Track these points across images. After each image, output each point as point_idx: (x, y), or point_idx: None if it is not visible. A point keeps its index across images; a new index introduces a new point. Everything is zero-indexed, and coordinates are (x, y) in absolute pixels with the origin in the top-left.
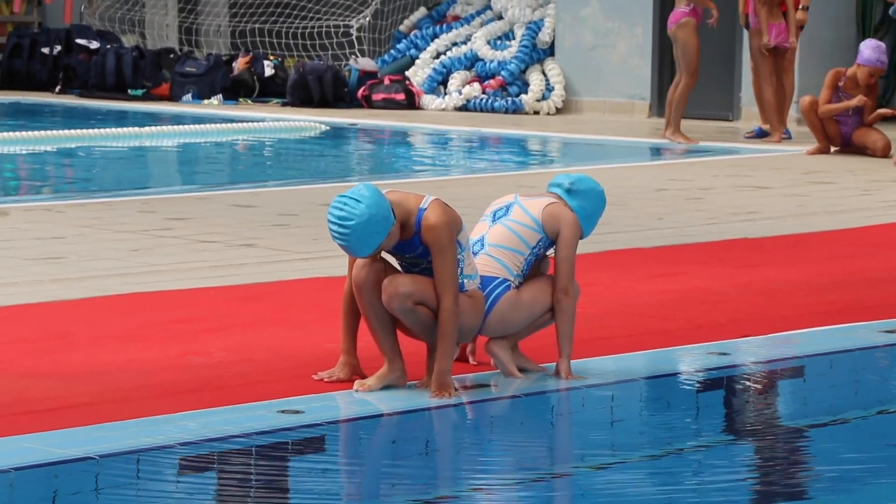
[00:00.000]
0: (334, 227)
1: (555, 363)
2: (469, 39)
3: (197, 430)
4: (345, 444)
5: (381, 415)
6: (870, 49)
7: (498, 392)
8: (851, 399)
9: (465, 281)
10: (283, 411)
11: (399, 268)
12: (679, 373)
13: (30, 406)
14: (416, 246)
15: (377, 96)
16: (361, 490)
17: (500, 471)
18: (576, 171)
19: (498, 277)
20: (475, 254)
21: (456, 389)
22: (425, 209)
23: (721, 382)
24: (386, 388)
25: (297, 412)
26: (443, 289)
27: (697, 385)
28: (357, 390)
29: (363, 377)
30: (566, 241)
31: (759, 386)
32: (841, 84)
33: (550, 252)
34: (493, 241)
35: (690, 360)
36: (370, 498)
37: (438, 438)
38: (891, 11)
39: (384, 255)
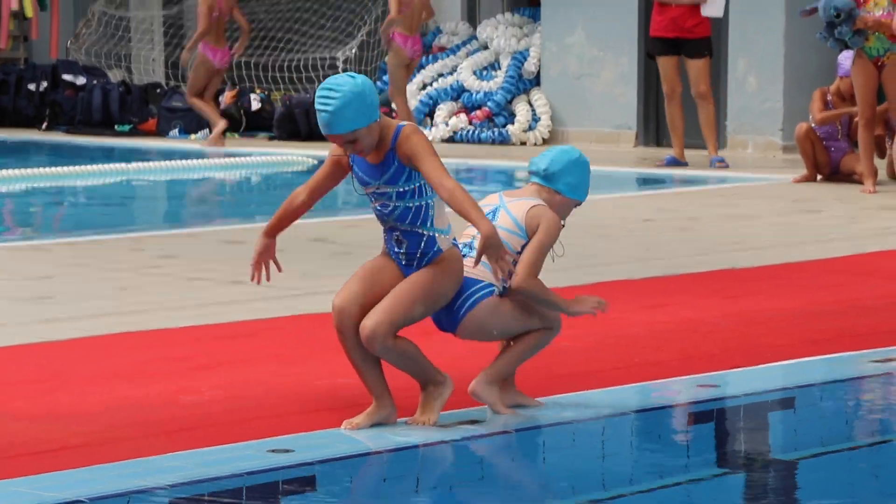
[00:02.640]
0: (321, 94)
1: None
2: (455, 70)
3: (187, 471)
4: (335, 483)
5: (370, 453)
6: (849, 59)
7: (488, 428)
8: (843, 430)
9: (437, 235)
10: (273, 450)
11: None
12: (670, 405)
13: (21, 449)
14: (389, 165)
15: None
16: None
17: None
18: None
19: (482, 281)
20: (464, 256)
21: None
22: (402, 125)
23: (712, 415)
24: (375, 425)
25: (288, 451)
26: (439, 177)
27: (688, 417)
28: (345, 428)
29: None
30: (537, 234)
31: (750, 417)
32: (829, 100)
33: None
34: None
35: (681, 392)
36: None
37: (429, 476)
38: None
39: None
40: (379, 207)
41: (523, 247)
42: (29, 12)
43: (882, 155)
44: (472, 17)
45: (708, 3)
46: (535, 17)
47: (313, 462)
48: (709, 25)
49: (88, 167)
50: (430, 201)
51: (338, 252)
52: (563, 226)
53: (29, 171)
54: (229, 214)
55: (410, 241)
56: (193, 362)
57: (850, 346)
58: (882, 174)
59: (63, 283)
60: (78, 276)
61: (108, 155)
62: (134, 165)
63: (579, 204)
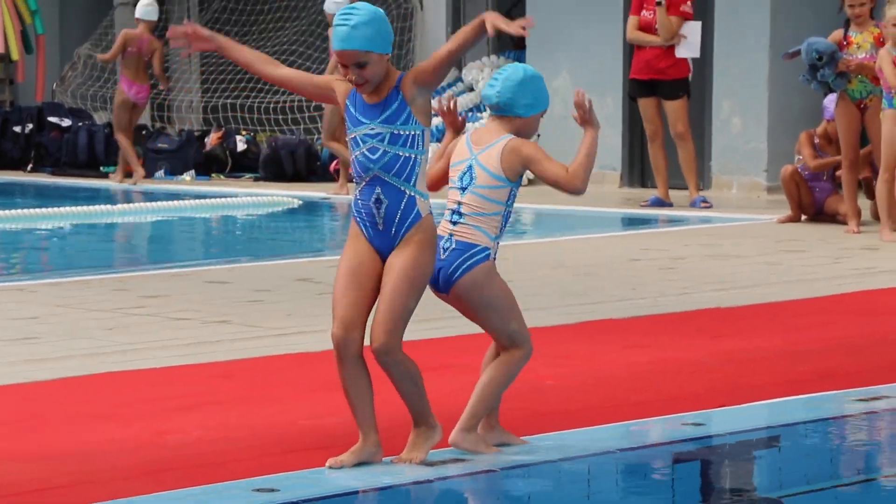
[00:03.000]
0: (343, 11)
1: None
2: None
3: None
4: None
5: (357, 492)
6: (834, 103)
7: (473, 467)
8: (827, 468)
9: (417, 197)
10: (258, 489)
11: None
12: (654, 444)
13: (7, 490)
14: (391, 102)
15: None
16: None
17: None
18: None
19: (478, 245)
20: (454, 223)
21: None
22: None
23: (697, 453)
24: (360, 463)
25: (273, 490)
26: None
27: (673, 456)
28: (330, 467)
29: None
30: (535, 163)
31: (735, 456)
32: (816, 143)
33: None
34: (470, 210)
35: (666, 432)
36: None
37: None
38: (801, 78)
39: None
40: (367, 152)
41: (510, 193)
42: (15, 55)
43: (871, 196)
44: (458, 60)
45: (682, 44)
46: (521, 61)
47: (298, 501)
48: (685, 66)
49: (74, 208)
50: (419, 156)
51: (323, 292)
52: (539, 135)
53: (14, 212)
54: (214, 255)
55: (391, 201)
56: (179, 402)
57: (836, 385)
58: (866, 214)
59: (48, 323)
60: (63, 317)
61: (94, 196)
62: (119, 207)
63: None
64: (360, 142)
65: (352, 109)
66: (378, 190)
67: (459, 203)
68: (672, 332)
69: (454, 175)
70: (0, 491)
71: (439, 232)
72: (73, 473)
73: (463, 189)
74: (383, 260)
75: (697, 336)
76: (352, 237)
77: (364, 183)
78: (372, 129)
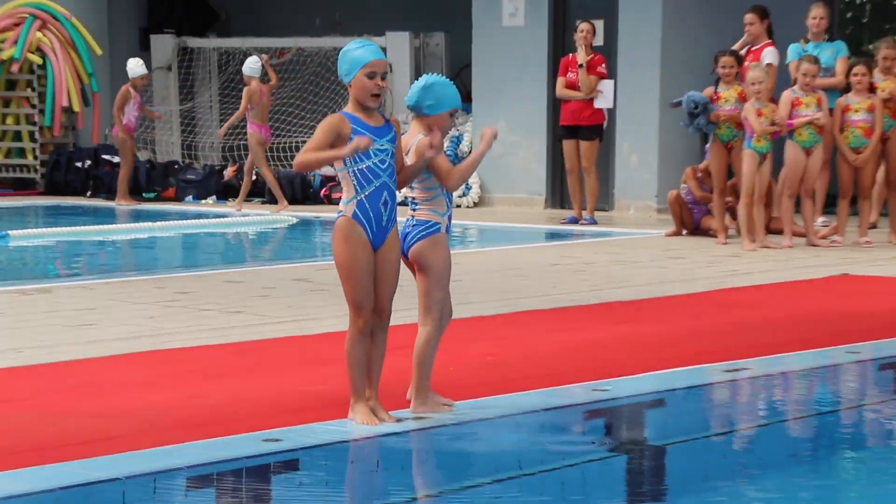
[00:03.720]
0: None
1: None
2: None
3: (200, 456)
4: (315, 465)
5: (347, 441)
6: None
7: (431, 423)
8: (702, 423)
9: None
10: (266, 440)
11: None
12: (571, 405)
13: (73, 440)
14: (391, 129)
15: (336, 195)
16: (325, 500)
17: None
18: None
19: (430, 221)
20: (413, 209)
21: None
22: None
23: (604, 412)
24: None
25: (278, 440)
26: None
27: (586, 414)
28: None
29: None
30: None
31: (633, 414)
32: (699, 175)
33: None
34: (418, 199)
35: (579, 395)
36: None
37: (393, 459)
38: (682, 124)
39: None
40: (378, 163)
41: (438, 183)
42: (76, 107)
43: (734, 217)
44: None
45: (599, 97)
46: (468, 110)
47: (297, 448)
48: (601, 115)
49: (122, 225)
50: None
51: (315, 289)
52: (442, 137)
53: (77, 228)
54: (230, 260)
55: (392, 201)
56: (204, 373)
57: (708, 360)
58: (732, 230)
59: (102, 313)
60: (114, 308)
61: (138, 216)
62: (157, 224)
63: (454, 111)
64: (371, 154)
65: (361, 130)
66: (385, 194)
67: (413, 197)
68: (584, 320)
69: None
70: (69, 440)
71: (406, 216)
72: (122, 427)
73: (410, 185)
74: (374, 251)
75: (603, 323)
76: (355, 238)
77: (372, 189)
78: (382, 146)
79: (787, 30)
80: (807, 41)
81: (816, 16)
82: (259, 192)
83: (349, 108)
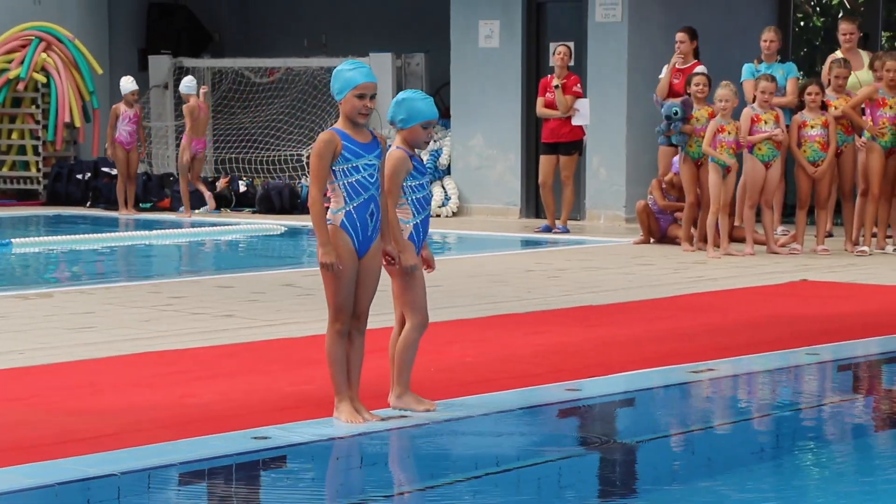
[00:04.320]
0: (355, 62)
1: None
2: None
3: (192, 453)
4: (301, 462)
5: (332, 438)
6: (679, 161)
7: (414, 421)
8: (669, 421)
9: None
10: (255, 437)
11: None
12: (545, 404)
13: (70, 437)
14: (378, 145)
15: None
16: (311, 495)
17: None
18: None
19: (405, 219)
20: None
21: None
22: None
23: (576, 411)
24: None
25: (266, 438)
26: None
27: (559, 412)
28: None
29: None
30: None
31: (603, 412)
32: (664, 187)
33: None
34: (393, 206)
35: (553, 395)
36: (315, 503)
37: (375, 455)
38: (656, 129)
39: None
40: (367, 177)
41: (404, 188)
42: (77, 123)
43: (696, 226)
44: None
45: (576, 115)
46: (447, 126)
47: (284, 446)
48: (580, 131)
49: (120, 233)
50: None
51: (302, 294)
52: (413, 152)
53: (77, 236)
54: (222, 266)
55: (377, 212)
56: (196, 374)
57: (675, 361)
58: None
59: (100, 316)
60: (111, 312)
61: (136, 225)
62: (153, 232)
63: (427, 124)
64: (360, 169)
65: (353, 147)
66: (372, 206)
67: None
68: (558, 323)
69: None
70: (64, 437)
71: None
72: (118, 425)
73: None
74: (358, 259)
75: (576, 326)
76: (342, 246)
77: (361, 201)
78: (370, 161)
79: (737, 50)
80: (759, 62)
81: (768, 38)
82: (250, 202)
83: (339, 125)
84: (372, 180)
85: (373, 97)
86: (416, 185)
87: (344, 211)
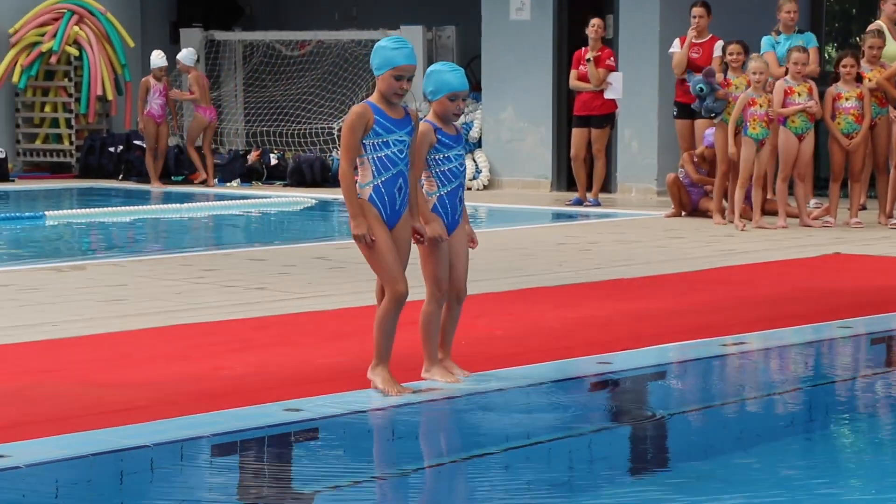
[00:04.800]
0: (399, 38)
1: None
2: None
3: (225, 425)
4: (333, 434)
5: (363, 411)
6: (711, 135)
7: (445, 394)
8: (701, 394)
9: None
10: (287, 409)
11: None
12: (576, 377)
13: (103, 408)
14: (410, 121)
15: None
16: (343, 466)
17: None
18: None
19: (430, 190)
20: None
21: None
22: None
23: (607, 384)
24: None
25: (298, 410)
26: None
27: (590, 386)
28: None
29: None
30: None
31: (635, 385)
32: (696, 161)
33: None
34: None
35: (584, 368)
36: (347, 474)
37: (404, 430)
38: (692, 106)
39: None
40: (396, 153)
41: (428, 161)
42: (109, 95)
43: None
44: None
45: (609, 89)
46: (478, 99)
47: (316, 418)
48: (612, 105)
49: (153, 206)
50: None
51: (333, 267)
52: (442, 124)
53: (110, 209)
54: (254, 239)
55: (405, 186)
56: (229, 346)
57: (707, 334)
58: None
59: (134, 289)
60: (145, 284)
61: (167, 197)
62: (185, 205)
63: (454, 96)
64: (391, 144)
65: (385, 122)
66: (400, 180)
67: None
68: (589, 296)
69: None
70: (98, 409)
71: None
72: (150, 397)
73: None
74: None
75: (607, 299)
76: (374, 218)
77: (389, 175)
78: (400, 136)
79: (756, 22)
80: (778, 33)
81: (790, 10)
82: (281, 175)
83: (374, 98)
84: (401, 156)
85: (410, 79)
86: (442, 157)
87: (372, 185)
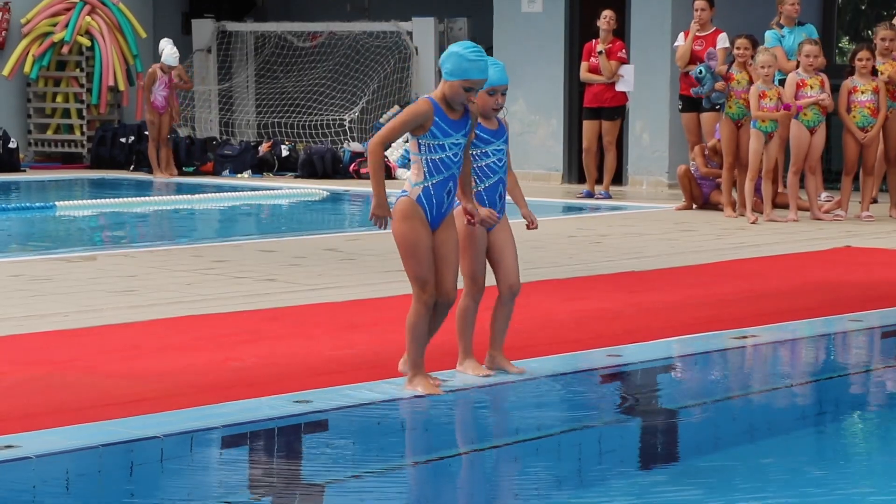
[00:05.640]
0: (477, 48)
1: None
2: None
3: (234, 416)
4: (342, 425)
5: (370, 403)
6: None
7: (458, 386)
8: (711, 387)
9: None
10: (297, 401)
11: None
12: (587, 369)
13: (113, 399)
14: (468, 121)
15: (364, 170)
16: (352, 458)
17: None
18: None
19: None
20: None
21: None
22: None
23: (618, 376)
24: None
25: (308, 401)
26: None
27: (601, 378)
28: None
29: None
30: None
31: (645, 378)
32: (707, 154)
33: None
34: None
35: (595, 360)
36: (356, 466)
37: (413, 422)
38: (693, 92)
39: None
40: (451, 156)
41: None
42: (121, 86)
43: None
44: None
45: (620, 81)
46: None
47: (326, 409)
48: (623, 97)
49: (163, 197)
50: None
51: (344, 259)
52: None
53: (121, 200)
54: (264, 230)
55: (455, 189)
56: (239, 337)
57: (717, 327)
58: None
59: (144, 280)
60: (155, 275)
61: (179, 189)
62: (196, 196)
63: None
64: (446, 147)
65: (443, 125)
66: (451, 184)
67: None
68: (599, 289)
69: None
70: (108, 400)
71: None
72: (161, 388)
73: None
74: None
75: (617, 292)
76: (417, 219)
77: (440, 178)
78: (456, 140)
79: (761, 12)
80: (780, 27)
81: (796, 2)
82: (293, 166)
83: (437, 96)
84: (455, 159)
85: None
86: (480, 152)
87: (422, 186)
